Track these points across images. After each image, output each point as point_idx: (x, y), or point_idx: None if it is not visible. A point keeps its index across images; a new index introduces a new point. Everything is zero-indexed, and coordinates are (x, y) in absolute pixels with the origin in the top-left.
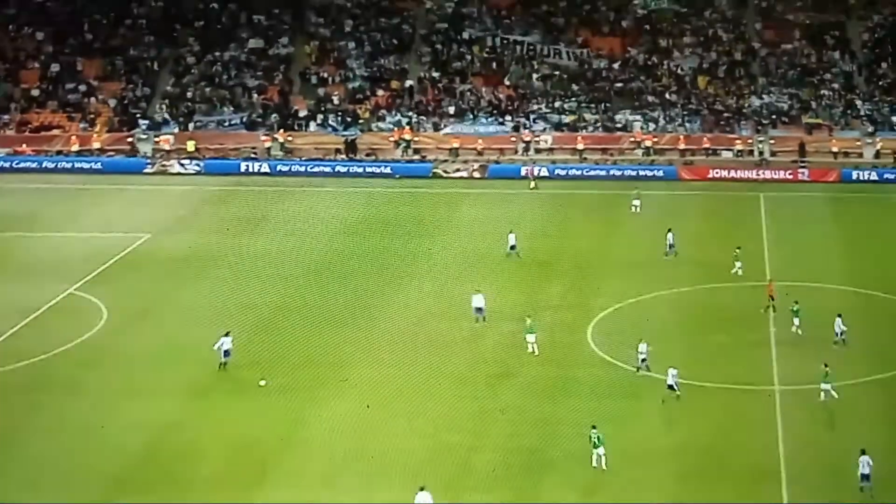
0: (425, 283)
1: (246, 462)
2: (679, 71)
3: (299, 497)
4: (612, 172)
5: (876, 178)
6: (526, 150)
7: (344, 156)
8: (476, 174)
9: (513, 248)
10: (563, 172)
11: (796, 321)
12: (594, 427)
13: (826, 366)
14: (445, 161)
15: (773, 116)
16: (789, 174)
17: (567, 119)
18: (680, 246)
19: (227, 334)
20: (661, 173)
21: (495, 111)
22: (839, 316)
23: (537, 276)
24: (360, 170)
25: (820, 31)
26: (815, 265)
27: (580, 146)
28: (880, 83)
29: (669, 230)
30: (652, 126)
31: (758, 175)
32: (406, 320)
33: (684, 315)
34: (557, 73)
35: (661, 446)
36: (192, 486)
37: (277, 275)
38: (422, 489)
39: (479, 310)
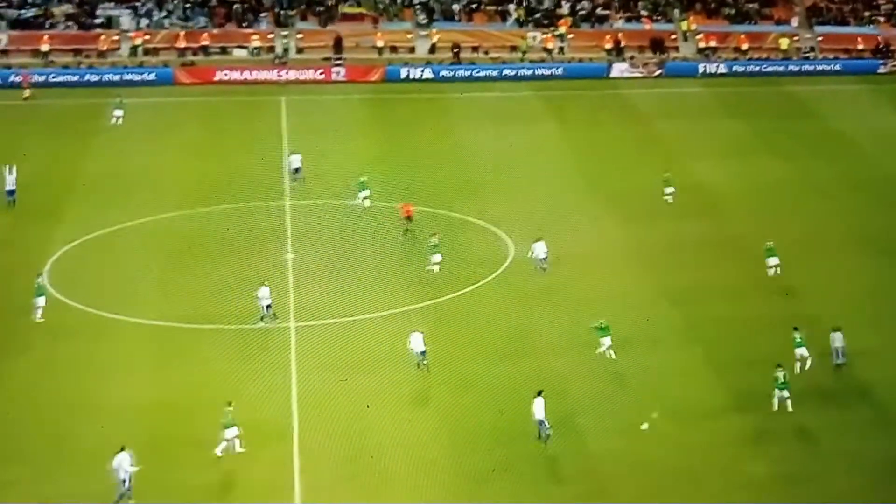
0: None
1: None
2: None
3: None
4: (88, 78)
5: (431, 75)
6: None
7: None
8: None
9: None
10: (20, 80)
11: (436, 258)
12: (230, 404)
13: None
14: None
15: (302, 7)
16: (320, 74)
17: (29, 14)
18: (165, 160)
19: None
20: (153, 77)
21: None
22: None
23: None
24: None
25: None
26: (349, 178)
27: (45, 47)
28: None
29: (293, 153)
30: (144, 22)
31: (279, 76)
32: None
33: (173, 245)
34: None
35: (145, 396)
36: None
37: None
38: (122, 449)
39: None
